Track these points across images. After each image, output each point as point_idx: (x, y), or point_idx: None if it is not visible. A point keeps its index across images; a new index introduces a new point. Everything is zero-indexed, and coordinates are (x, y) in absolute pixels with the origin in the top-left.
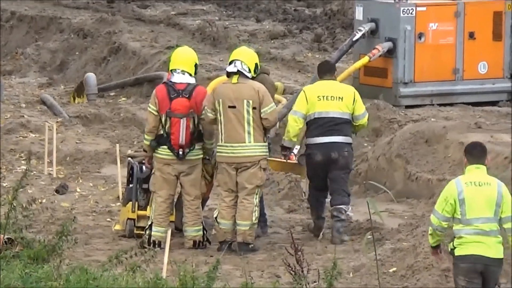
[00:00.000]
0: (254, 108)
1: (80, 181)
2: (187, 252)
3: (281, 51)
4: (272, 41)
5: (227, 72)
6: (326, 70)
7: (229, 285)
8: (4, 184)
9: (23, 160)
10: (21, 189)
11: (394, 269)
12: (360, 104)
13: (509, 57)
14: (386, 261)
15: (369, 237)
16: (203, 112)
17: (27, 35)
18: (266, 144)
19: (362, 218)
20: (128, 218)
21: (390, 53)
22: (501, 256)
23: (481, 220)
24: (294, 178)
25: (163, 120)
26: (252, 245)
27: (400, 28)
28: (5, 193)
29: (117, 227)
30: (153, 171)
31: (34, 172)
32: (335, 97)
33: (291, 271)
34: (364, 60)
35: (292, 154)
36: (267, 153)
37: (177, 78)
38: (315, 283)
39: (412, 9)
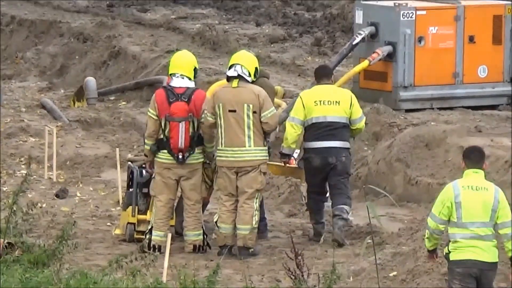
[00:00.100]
0: (254, 112)
1: (80, 185)
2: (188, 257)
3: (281, 55)
4: (272, 45)
5: (227, 76)
6: (323, 75)
7: None
8: (4, 189)
9: (23, 164)
10: (21, 194)
11: (395, 273)
12: (357, 108)
13: (509, 61)
14: (386, 265)
15: (369, 241)
16: (203, 116)
17: (27, 39)
18: (266, 148)
19: (362, 222)
20: (128, 223)
21: (390, 57)
22: (496, 260)
23: (477, 224)
24: (294, 182)
25: (162, 124)
26: (252, 249)
27: (400, 32)
28: (5, 197)
29: (117, 231)
30: (153, 176)
31: (34, 176)
32: (332, 102)
33: (291, 276)
34: (364, 64)
35: (292, 158)
36: (267, 157)
37: (176, 83)
38: (315, 287)
39: (412, 13)
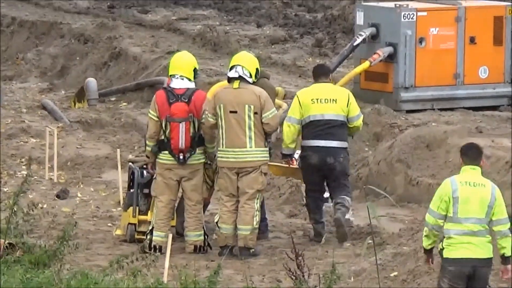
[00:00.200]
0: (255, 113)
1: (81, 186)
2: (188, 257)
3: (281, 56)
4: (272, 46)
5: (228, 77)
6: (321, 73)
7: None
8: (5, 189)
9: (24, 165)
10: (22, 194)
11: (395, 273)
12: (355, 106)
13: (510, 62)
14: (387, 265)
15: (370, 241)
16: (203, 116)
17: (27, 40)
18: (267, 149)
19: (363, 222)
20: (129, 223)
21: (391, 58)
22: (490, 255)
23: (472, 220)
24: (295, 183)
25: (163, 125)
26: (253, 250)
27: (400, 33)
28: (6, 198)
29: (118, 232)
30: (154, 176)
31: (35, 177)
32: (329, 100)
33: (292, 276)
34: (365, 65)
35: (293, 159)
36: (268, 158)
37: (176, 84)
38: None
39: (412, 14)
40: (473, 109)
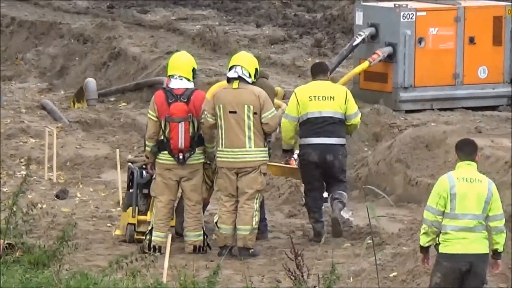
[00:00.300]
0: (254, 113)
1: (81, 186)
2: (188, 257)
3: (281, 56)
4: (272, 46)
5: (228, 77)
6: (319, 71)
7: None
8: (4, 190)
9: (23, 165)
10: (21, 194)
11: (395, 273)
12: (352, 104)
13: (509, 62)
14: (386, 265)
15: (369, 241)
16: (203, 116)
17: (27, 41)
18: (266, 149)
19: (362, 223)
20: (129, 223)
21: (390, 58)
22: (486, 251)
23: (469, 216)
24: (294, 183)
25: (162, 125)
26: (253, 250)
27: (400, 33)
28: (6, 198)
29: (118, 232)
30: (154, 176)
31: (34, 177)
32: (326, 97)
33: (291, 276)
34: (364, 65)
35: (292, 159)
36: (267, 158)
37: (174, 84)
38: None
39: (412, 14)
40: (472, 109)
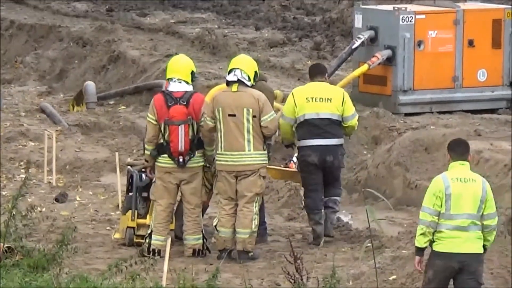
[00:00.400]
0: (254, 116)
1: (80, 189)
2: (187, 261)
3: (280, 59)
4: (271, 49)
5: (227, 81)
6: (317, 72)
7: None
8: (4, 193)
9: (23, 168)
10: (20, 198)
11: (394, 277)
12: (350, 105)
13: (508, 65)
14: (386, 269)
15: (368, 245)
16: (202, 119)
17: (26, 44)
18: (266, 152)
19: (362, 226)
20: (128, 227)
21: (390, 61)
22: (479, 251)
23: (464, 216)
24: (294, 186)
25: (162, 128)
26: (252, 253)
27: (399, 36)
28: (5, 201)
29: (117, 235)
30: (154, 180)
31: (34, 180)
32: (323, 99)
33: (291, 279)
34: (364, 68)
35: (292, 162)
36: (267, 162)
37: (174, 87)
38: None
39: (411, 17)
40: (471, 112)
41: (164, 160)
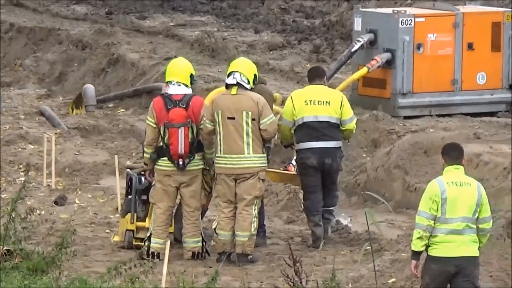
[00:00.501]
0: (253, 119)
1: (79, 192)
2: (186, 263)
3: (279, 62)
4: (270, 52)
5: (226, 84)
6: (315, 75)
7: None
8: (3, 196)
9: (22, 171)
10: (20, 201)
11: (393, 279)
12: (348, 109)
13: (508, 68)
14: (385, 272)
15: (368, 248)
16: (202, 122)
17: (25, 47)
18: (265, 155)
19: (361, 229)
20: (127, 230)
21: (389, 64)
22: (475, 254)
23: (459, 219)
24: (293, 189)
25: (161, 131)
26: (251, 256)
27: (398, 39)
28: (4, 204)
29: (116, 238)
30: (153, 183)
31: (33, 183)
32: (322, 102)
33: (290, 282)
34: (363, 71)
35: (291, 165)
36: (266, 165)
37: (173, 90)
38: None
39: (410, 20)
40: (471, 115)
41: (163, 163)
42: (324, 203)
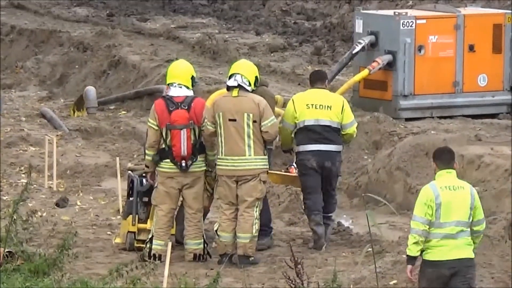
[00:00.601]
0: (254, 121)
1: (81, 194)
2: (188, 265)
3: (281, 64)
4: (272, 54)
5: (227, 85)
6: (317, 79)
7: None
8: (4, 198)
9: (23, 173)
10: (21, 203)
11: (395, 281)
12: (349, 113)
13: (509, 70)
14: (386, 273)
15: (369, 249)
16: (203, 124)
17: (27, 49)
18: (266, 157)
19: (363, 230)
20: (129, 231)
21: (390, 66)
22: (469, 256)
23: (453, 223)
24: (294, 191)
25: (164, 133)
26: (253, 258)
27: (400, 40)
28: (6, 206)
29: (118, 240)
30: (156, 185)
31: (34, 185)
32: (323, 106)
33: (291, 284)
34: (364, 73)
35: (292, 167)
36: (267, 166)
37: (174, 92)
38: None
39: (412, 21)
40: (472, 117)
41: (166, 165)
42: (323, 209)
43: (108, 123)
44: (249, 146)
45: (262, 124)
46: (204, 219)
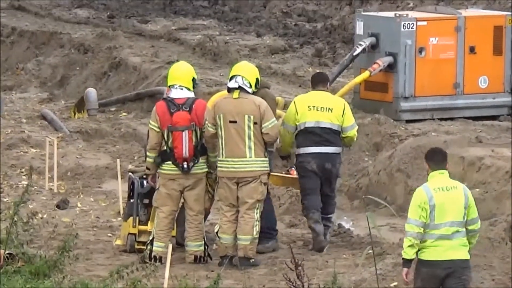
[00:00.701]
0: (255, 123)
1: (81, 196)
2: (188, 267)
3: (281, 66)
4: (272, 56)
5: (228, 87)
6: (318, 81)
7: None
8: (5, 200)
9: (24, 175)
10: (22, 205)
11: (395, 283)
12: (349, 116)
13: (510, 72)
14: (387, 275)
15: (369, 251)
16: (204, 125)
17: (27, 51)
18: (267, 159)
19: (363, 232)
20: (129, 233)
21: (391, 68)
22: (465, 257)
23: (448, 224)
24: (295, 193)
25: (165, 135)
26: (253, 260)
27: (400, 42)
28: (6, 208)
29: (118, 242)
30: (157, 187)
31: (35, 187)
32: (325, 108)
33: (292, 286)
34: (365, 74)
35: (293, 169)
36: (268, 168)
37: (175, 94)
38: None
39: (412, 23)
40: (473, 119)
41: (168, 167)
42: (323, 210)
43: (109, 125)
44: (249, 148)
45: (263, 126)
46: (204, 221)
